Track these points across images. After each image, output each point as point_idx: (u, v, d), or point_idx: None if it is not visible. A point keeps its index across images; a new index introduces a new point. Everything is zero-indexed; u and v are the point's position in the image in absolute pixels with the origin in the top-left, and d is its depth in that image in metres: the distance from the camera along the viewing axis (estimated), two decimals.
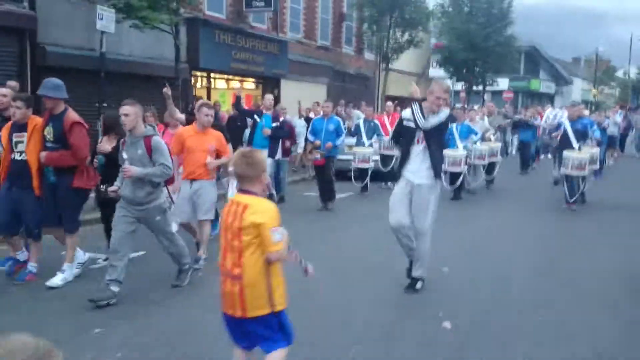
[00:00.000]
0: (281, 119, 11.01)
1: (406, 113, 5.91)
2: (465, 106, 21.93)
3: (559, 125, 11.78)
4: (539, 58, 44.67)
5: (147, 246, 6.95)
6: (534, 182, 14.76)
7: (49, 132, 6.08)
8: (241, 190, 3.23)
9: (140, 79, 14.45)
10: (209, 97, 17.24)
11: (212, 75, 18.36)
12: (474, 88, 32.80)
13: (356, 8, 24.01)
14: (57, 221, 6.24)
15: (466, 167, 11.95)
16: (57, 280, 6.04)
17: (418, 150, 5.77)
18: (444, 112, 5.79)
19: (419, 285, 5.86)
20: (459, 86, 33.31)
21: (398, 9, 21.73)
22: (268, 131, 10.50)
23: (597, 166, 11.75)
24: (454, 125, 12.32)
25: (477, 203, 11.76)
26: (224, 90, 19.40)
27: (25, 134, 6.14)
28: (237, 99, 11.16)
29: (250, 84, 20.49)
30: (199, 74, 17.56)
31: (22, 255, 6.43)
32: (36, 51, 12.20)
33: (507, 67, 33.47)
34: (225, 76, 19.06)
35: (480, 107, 20.20)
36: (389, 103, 14.64)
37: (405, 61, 27.31)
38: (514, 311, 5.32)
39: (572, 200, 10.50)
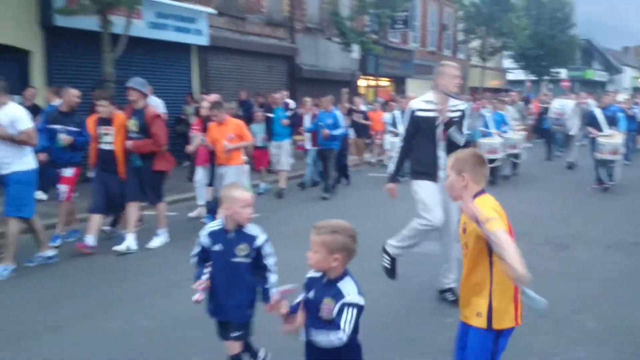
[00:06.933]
0: (290, 106, 12.15)
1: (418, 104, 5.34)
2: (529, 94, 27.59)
3: (590, 114, 12.09)
4: (592, 50, 51.00)
5: None
6: (560, 167, 14.97)
7: (133, 124, 6.99)
8: None
9: (333, 83, 22.08)
10: (366, 92, 24.86)
11: (367, 77, 25.91)
12: (539, 78, 39.62)
13: (456, 22, 31.31)
14: (139, 197, 7.22)
15: (502, 154, 12.20)
16: (155, 243, 7.26)
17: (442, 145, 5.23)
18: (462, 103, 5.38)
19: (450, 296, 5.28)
20: (524, 76, 40.15)
21: (493, 22, 28.62)
22: (286, 121, 11.50)
23: (625, 150, 12.17)
24: (488, 114, 12.88)
25: (511, 186, 12.23)
26: (372, 88, 26.92)
27: (112, 127, 7.07)
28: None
29: (384, 82, 27.97)
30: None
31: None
32: (295, 69, 19.98)
33: (568, 61, 40.12)
34: (373, 78, 26.55)
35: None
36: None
37: None
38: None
39: (607, 182, 11.17)
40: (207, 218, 8.20)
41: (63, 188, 7.42)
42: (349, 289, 2.62)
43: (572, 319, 4.99)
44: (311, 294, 2.71)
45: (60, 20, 11.64)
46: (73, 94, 7.59)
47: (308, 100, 13.32)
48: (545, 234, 8.01)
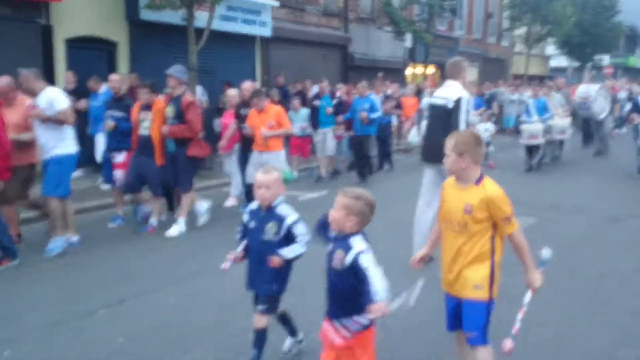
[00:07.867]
0: (337, 94, 12.11)
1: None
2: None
3: (635, 102, 12.25)
4: (636, 37, 50.29)
5: None
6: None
7: (169, 111, 7.18)
8: None
9: (383, 71, 22.74)
10: (413, 80, 25.44)
11: (415, 65, 26.45)
12: (582, 65, 39.49)
13: (502, 10, 31.56)
14: (173, 183, 7.45)
15: (543, 139, 12.28)
16: (173, 231, 7.21)
17: None
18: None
19: None
20: (567, 63, 40.02)
21: (539, 9, 28.78)
22: (331, 110, 11.44)
23: None
24: (530, 100, 13.04)
25: (558, 169, 12.86)
26: (419, 75, 27.44)
27: (149, 113, 7.22)
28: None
29: (431, 69, 28.46)
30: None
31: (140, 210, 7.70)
32: (347, 57, 20.71)
33: (612, 48, 39.88)
34: (422, 65, 27.06)
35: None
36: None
37: None
38: None
39: None
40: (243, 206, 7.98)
41: (118, 174, 7.65)
42: (356, 242, 2.94)
43: (633, 277, 5.70)
44: (330, 247, 3.08)
45: (145, 14, 12.60)
46: (110, 79, 7.99)
47: (341, 87, 13.45)
48: (601, 210, 8.73)
